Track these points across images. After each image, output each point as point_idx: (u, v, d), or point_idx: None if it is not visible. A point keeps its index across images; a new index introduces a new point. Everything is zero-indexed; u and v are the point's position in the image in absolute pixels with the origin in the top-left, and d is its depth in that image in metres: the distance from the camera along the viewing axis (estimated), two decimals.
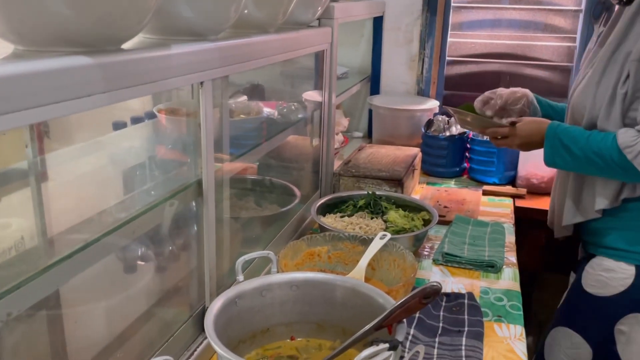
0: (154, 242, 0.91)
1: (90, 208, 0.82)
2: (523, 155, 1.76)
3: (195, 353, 0.84)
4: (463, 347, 0.91)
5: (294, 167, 1.57)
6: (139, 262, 0.90)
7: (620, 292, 1.06)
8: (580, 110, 1.11)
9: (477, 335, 0.94)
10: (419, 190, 1.73)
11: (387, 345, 0.62)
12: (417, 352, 0.67)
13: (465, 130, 1.82)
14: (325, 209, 1.36)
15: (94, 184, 0.93)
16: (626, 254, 1.07)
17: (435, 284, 0.72)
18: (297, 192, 1.39)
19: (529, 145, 1.18)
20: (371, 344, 0.63)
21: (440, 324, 0.98)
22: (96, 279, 0.77)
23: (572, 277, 1.23)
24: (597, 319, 1.09)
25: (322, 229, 1.26)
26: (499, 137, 1.23)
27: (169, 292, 0.83)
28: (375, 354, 0.62)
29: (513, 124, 1.20)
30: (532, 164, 1.74)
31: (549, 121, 1.15)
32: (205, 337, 0.87)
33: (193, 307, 0.86)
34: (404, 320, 0.74)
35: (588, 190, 1.12)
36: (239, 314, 0.81)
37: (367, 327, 0.73)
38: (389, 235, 1.06)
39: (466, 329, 0.96)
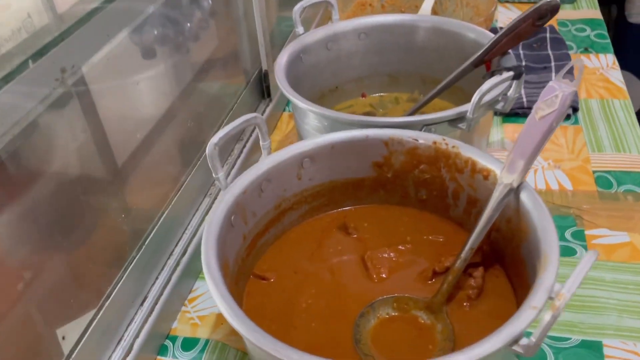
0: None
1: None
2: None
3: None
4: None
5: None
6: (171, 31, 0.76)
7: None
8: None
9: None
10: None
11: (511, 73, 0.51)
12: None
13: None
14: None
15: None
16: None
17: None
18: None
19: None
20: (491, 74, 0.53)
21: (523, 62, 0.87)
22: (125, 56, 0.63)
23: None
24: None
25: None
26: None
27: (216, 60, 0.71)
28: (499, 84, 0.51)
29: None
30: None
31: None
32: (269, 104, 0.78)
33: (248, 72, 0.75)
34: (510, 51, 0.62)
35: None
36: (305, 71, 0.69)
37: (467, 62, 0.62)
38: None
39: (553, 63, 0.85)
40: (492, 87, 0.51)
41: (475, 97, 0.51)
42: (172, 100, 0.63)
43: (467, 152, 0.48)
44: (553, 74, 0.83)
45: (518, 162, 0.43)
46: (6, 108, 0.36)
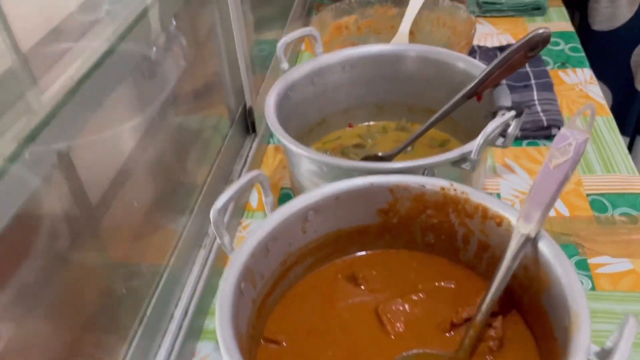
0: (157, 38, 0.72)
1: (55, 11, 0.60)
2: None
3: (249, 159, 0.72)
4: (536, 102, 0.81)
5: None
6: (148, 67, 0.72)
7: None
8: None
9: (547, 86, 0.84)
10: None
11: (513, 113, 0.51)
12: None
13: None
14: None
15: None
16: None
17: (543, 29, 0.57)
18: None
19: None
20: (493, 115, 0.52)
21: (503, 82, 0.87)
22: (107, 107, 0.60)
23: None
24: None
25: None
26: None
27: (200, 100, 0.68)
28: (503, 125, 0.51)
29: None
30: None
31: None
32: (254, 139, 0.76)
33: (233, 110, 0.72)
34: (503, 82, 0.61)
35: None
36: (292, 108, 0.67)
37: (460, 94, 0.61)
38: None
39: (533, 81, 0.86)
40: (496, 129, 0.50)
41: (480, 139, 0.50)
42: (155, 146, 0.60)
43: (477, 198, 0.47)
44: (534, 92, 0.83)
45: (535, 212, 0.42)
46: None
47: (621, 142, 0.74)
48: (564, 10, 1.06)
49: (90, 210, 0.48)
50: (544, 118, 0.77)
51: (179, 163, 0.64)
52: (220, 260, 0.62)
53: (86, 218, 0.47)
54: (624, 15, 1.13)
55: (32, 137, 0.35)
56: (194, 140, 0.66)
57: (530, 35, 0.58)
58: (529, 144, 0.76)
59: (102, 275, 0.49)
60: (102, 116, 0.50)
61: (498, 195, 0.68)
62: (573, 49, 0.94)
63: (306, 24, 1.11)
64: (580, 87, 0.85)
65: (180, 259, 0.55)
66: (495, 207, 0.46)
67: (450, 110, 0.63)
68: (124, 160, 0.54)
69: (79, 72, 0.45)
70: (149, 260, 0.53)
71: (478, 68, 0.64)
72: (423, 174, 0.53)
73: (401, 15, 0.90)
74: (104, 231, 0.49)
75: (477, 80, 0.61)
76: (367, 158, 0.67)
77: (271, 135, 0.82)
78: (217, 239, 0.61)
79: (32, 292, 0.39)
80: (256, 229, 0.47)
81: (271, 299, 0.49)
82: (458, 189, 0.48)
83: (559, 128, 0.76)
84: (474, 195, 0.48)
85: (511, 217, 0.45)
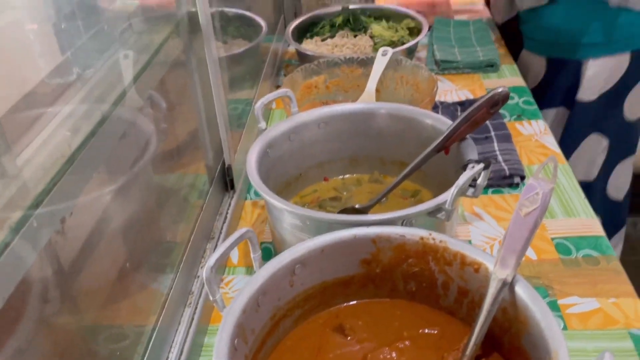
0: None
1: (23, 80, 0.61)
2: None
3: (228, 216, 0.74)
4: (498, 152, 0.86)
5: None
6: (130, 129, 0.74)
7: None
8: None
9: (506, 138, 0.90)
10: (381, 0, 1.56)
11: (482, 165, 0.55)
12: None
13: None
14: (298, 35, 1.20)
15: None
16: None
17: (502, 88, 0.63)
18: (261, 21, 1.20)
19: None
20: (464, 167, 0.56)
21: (468, 137, 0.93)
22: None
23: None
24: None
25: (302, 58, 1.12)
26: None
27: (177, 157, 0.70)
28: (473, 177, 0.54)
29: None
30: None
31: None
32: (232, 195, 0.77)
33: (212, 168, 0.74)
34: (468, 137, 0.66)
35: None
36: (271, 165, 0.70)
37: (429, 148, 0.66)
38: (391, 51, 0.94)
39: (492, 133, 0.92)
40: (467, 181, 0.54)
41: (453, 191, 0.54)
42: (136, 207, 0.61)
43: (455, 246, 0.50)
44: (495, 144, 0.89)
45: (510, 258, 0.45)
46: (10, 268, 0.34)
47: (578, 188, 0.79)
48: (515, 67, 1.14)
49: (74, 274, 0.48)
50: (506, 168, 0.82)
51: (161, 223, 0.65)
52: (205, 317, 0.62)
53: (69, 281, 0.47)
54: None
55: (12, 205, 0.36)
56: (175, 200, 0.67)
57: (491, 94, 0.63)
58: (494, 192, 0.80)
59: (88, 339, 0.48)
60: (82, 179, 0.51)
61: (469, 242, 0.72)
62: (526, 102, 1.02)
63: (275, 83, 1.15)
64: (536, 138, 0.92)
65: (167, 318, 0.56)
66: (472, 254, 0.50)
67: (421, 164, 0.67)
68: (105, 222, 0.55)
69: (53, 138, 0.46)
70: (137, 321, 0.53)
71: (445, 124, 0.68)
72: (402, 224, 0.55)
73: (367, 75, 0.96)
74: (87, 294, 0.49)
75: (444, 135, 0.65)
76: (344, 210, 0.70)
77: (248, 191, 0.84)
78: (202, 297, 0.62)
79: (17, 358, 0.39)
80: (246, 285, 0.48)
81: (262, 353, 0.50)
82: (437, 238, 0.51)
83: (520, 176, 0.82)
84: (452, 244, 0.51)
85: (488, 263, 0.48)
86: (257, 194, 0.84)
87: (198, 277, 0.64)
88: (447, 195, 0.55)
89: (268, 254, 0.72)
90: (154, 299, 0.56)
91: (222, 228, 0.71)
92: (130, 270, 0.56)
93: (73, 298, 0.47)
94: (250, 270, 0.71)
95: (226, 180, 0.77)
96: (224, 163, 0.76)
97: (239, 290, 0.48)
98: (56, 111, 0.51)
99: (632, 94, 1.13)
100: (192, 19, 0.65)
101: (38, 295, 0.43)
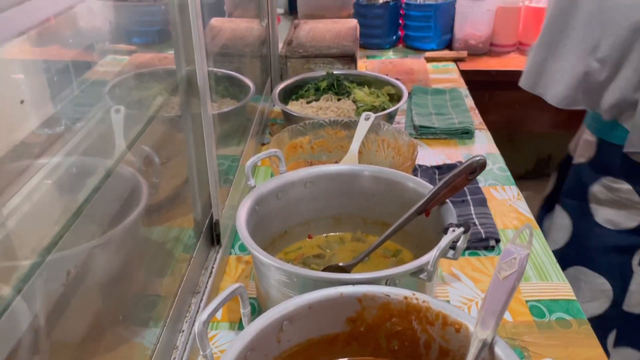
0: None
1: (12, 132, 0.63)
2: (459, 16, 1.72)
3: (214, 270, 0.75)
4: (474, 215, 0.91)
5: (233, 53, 1.40)
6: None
7: None
8: None
9: (482, 202, 0.94)
10: (362, 66, 1.64)
11: (462, 229, 0.58)
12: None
13: None
14: (284, 97, 1.25)
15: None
16: None
17: (480, 157, 0.67)
18: (249, 82, 1.25)
19: None
20: (445, 231, 0.59)
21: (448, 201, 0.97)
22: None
23: None
24: None
25: (287, 118, 1.16)
26: None
27: (166, 212, 0.71)
28: (453, 240, 0.58)
29: None
30: (469, 24, 1.71)
31: None
32: (218, 250, 0.79)
33: (199, 223, 0.76)
34: (448, 201, 0.70)
35: None
36: (258, 221, 0.72)
37: (411, 211, 0.69)
38: (373, 116, 0.99)
39: (469, 197, 0.96)
40: (448, 243, 0.57)
41: (435, 252, 0.57)
42: (124, 260, 0.61)
43: (437, 306, 0.53)
44: (471, 207, 0.93)
45: (490, 319, 0.48)
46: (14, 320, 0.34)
47: (550, 253, 0.83)
48: (488, 134, 1.21)
49: (57, 327, 0.48)
50: (482, 231, 0.86)
51: (148, 276, 0.65)
52: None
53: (51, 334, 0.47)
54: None
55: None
56: (161, 253, 0.68)
57: (470, 161, 0.67)
58: (470, 254, 0.84)
59: None
60: (72, 232, 0.52)
61: (448, 302, 0.74)
62: (500, 169, 1.07)
63: (261, 141, 1.19)
64: (509, 203, 0.96)
65: None
66: (454, 314, 0.52)
67: (403, 225, 0.70)
68: (90, 275, 0.55)
69: (40, 189, 0.48)
70: None
71: (425, 188, 0.72)
72: (386, 283, 0.58)
73: (350, 137, 1.00)
74: (70, 347, 0.49)
75: (425, 199, 0.69)
76: (328, 268, 0.71)
77: (233, 246, 0.86)
78: (186, 352, 0.62)
79: None
80: (235, 340, 0.49)
81: None
82: (420, 298, 0.54)
83: (496, 239, 0.85)
84: (434, 304, 0.53)
85: (469, 323, 0.51)
86: (241, 249, 0.86)
87: (183, 331, 0.65)
88: (430, 257, 0.58)
89: (252, 309, 0.73)
90: (140, 353, 0.56)
91: (207, 282, 0.72)
92: (115, 324, 0.56)
93: (56, 352, 0.47)
94: (233, 325, 0.71)
95: (213, 235, 0.78)
96: (212, 217, 0.78)
97: (229, 344, 0.49)
98: (42, 163, 0.52)
99: None
100: (190, 77, 0.69)
101: (25, 348, 0.43)
